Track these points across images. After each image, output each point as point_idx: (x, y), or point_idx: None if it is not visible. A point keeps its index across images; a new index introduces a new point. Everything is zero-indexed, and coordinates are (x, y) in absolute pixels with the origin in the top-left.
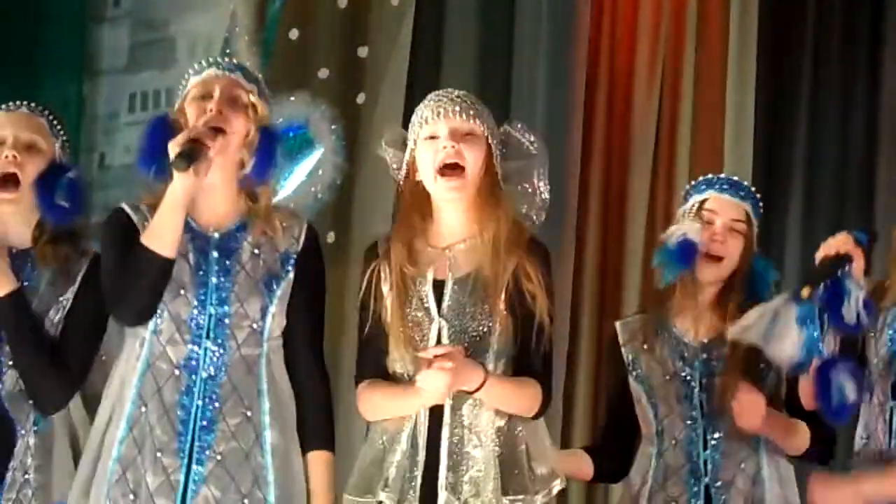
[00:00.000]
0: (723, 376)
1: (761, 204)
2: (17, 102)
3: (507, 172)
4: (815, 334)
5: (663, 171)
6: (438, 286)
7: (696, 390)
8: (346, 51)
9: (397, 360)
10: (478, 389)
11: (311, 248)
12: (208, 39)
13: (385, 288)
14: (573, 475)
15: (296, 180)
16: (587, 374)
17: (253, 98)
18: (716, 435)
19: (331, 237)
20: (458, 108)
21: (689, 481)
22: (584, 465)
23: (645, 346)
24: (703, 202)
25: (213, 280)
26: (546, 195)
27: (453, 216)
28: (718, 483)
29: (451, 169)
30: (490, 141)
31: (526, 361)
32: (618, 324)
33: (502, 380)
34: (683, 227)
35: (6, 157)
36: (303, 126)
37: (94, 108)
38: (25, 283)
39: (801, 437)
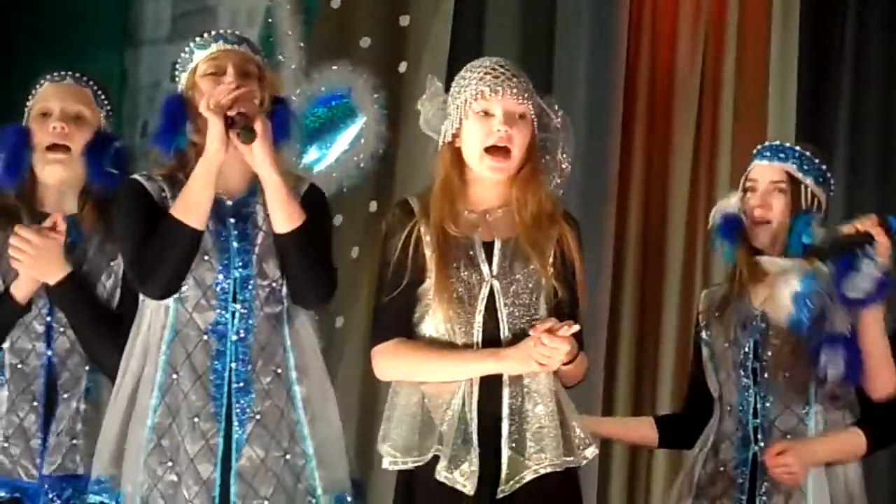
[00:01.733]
0: (777, 348)
1: (816, 159)
2: (63, 73)
3: (538, 143)
4: (802, 315)
5: (706, 140)
6: (487, 247)
7: (751, 357)
8: (387, 19)
9: (441, 320)
10: (572, 361)
11: (313, 197)
12: (250, 9)
13: (427, 250)
14: (635, 442)
15: (338, 149)
16: (629, 347)
17: (263, 69)
18: (765, 403)
19: (373, 206)
20: (514, 89)
21: (739, 448)
22: (647, 433)
23: (717, 314)
24: (749, 172)
25: (235, 245)
26: (568, 168)
27: (492, 184)
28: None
29: (498, 149)
30: (534, 123)
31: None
32: (703, 293)
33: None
34: (723, 203)
35: (54, 128)
36: (345, 95)
37: (137, 78)
38: (71, 251)
39: (855, 447)
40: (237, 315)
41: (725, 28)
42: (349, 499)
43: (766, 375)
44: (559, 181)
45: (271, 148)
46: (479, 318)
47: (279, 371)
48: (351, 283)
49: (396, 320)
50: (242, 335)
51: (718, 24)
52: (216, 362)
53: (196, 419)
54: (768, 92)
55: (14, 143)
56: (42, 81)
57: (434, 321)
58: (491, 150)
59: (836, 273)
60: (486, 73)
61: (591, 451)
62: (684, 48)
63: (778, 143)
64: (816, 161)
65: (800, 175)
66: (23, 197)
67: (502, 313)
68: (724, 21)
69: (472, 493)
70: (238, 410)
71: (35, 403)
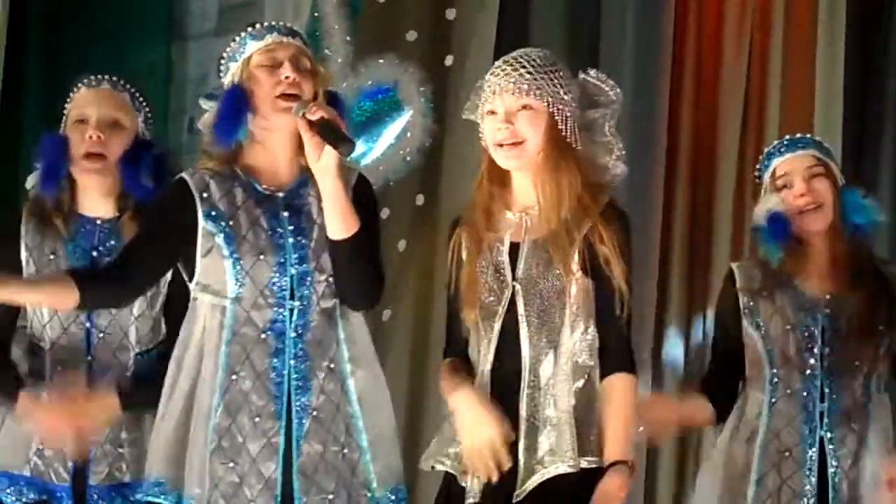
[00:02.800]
0: (843, 335)
1: (825, 144)
2: (100, 77)
3: (586, 123)
4: None
5: (752, 127)
6: (514, 249)
7: (819, 343)
8: (433, 13)
9: (467, 327)
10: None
11: (362, 191)
12: (296, 3)
13: (465, 255)
14: (691, 423)
15: (384, 143)
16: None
17: (315, 63)
18: (833, 389)
19: (420, 200)
20: (512, 83)
21: (804, 433)
22: (702, 412)
23: (764, 294)
24: (773, 173)
25: (290, 241)
26: (619, 147)
27: (524, 182)
28: (833, 437)
29: (507, 144)
30: (552, 108)
31: (608, 336)
32: (734, 266)
33: (619, 439)
34: (765, 205)
35: (90, 136)
36: (391, 88)
37: (184, 72)
38: (112, 253)
39: None
40: (295, 312)
41: (772, 12)
42: (403, 491)
43: (835, 362)
44: (612, 161)
45: (339, 159)
46: (499, 321)
47: (333, 366)
48: (398, 276)
49: (451, 336)
50: (300, 332)
51: (765, 8)
52: (275, 360)
53: (258, 419)
54: (815, 76)
55: (52, 153)
56: (79, 86)
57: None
58: (499, 144)
59: None
60: (492, 75)
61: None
62: (730, 36)
63: (787, 137)
64: (826, 146)
65: (826, 159)
66: (60, 203)
67: (521, 316)
68: (771, 5)
69: (477, 498)
70: (298, 408)
71: None
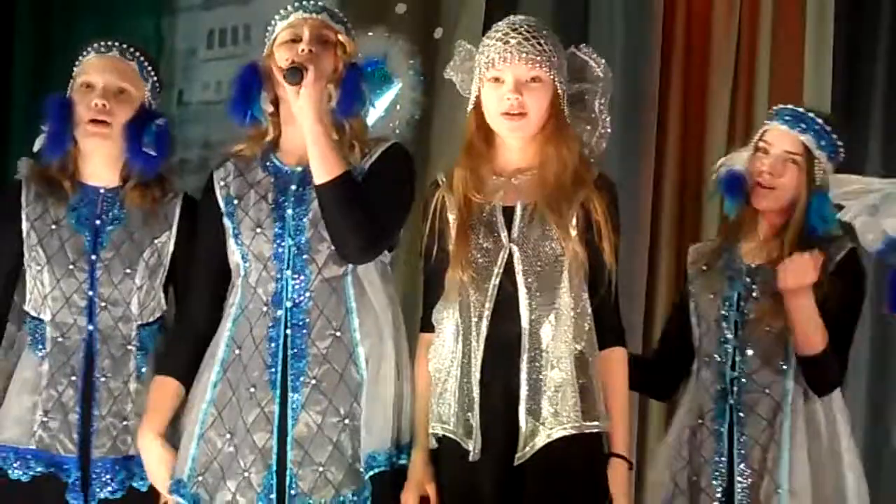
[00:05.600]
0: (760, 302)
1: (833, 134)
2: (110, 43)
3: (571, 95)
4: None
5: (742, 102)
6: (508, 212)
7: (734, 310)
8: None
9: (453, 286)
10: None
11: (386, 154)
12: None
13: (451, 216)
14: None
15: (374, 116)
16: (665, 301)
17: (341, 37)
18: (744, 356)
19: None
20: (524, 54)
21: (718, 400)
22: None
23: (704, 268)
24: (765, 132)
25: (289, 212)
26: (607, 125)
27: (517, 147)
28: (741, 405)
29: (513, 114)
30: (556, 81)
31: (600, 307)
32: (691, 248)
33: (621, 427)
34: (733, 159)
35: (95, 104)
36: (381, 61)
37: (173, 45)
38: (115, 222)
39: (820, 337)
40: (289, 282)
41: None
42: (384, 459)
43: (747, 329)
44: (598, 135)
45: (318, 97)
46: (494, 282)
47: (339, 334)
48: None
49: (432, 302)
50: (298, 300)
51: None
52: (272, 331)
53: (252, 389)
54: (804, 54)
55: (57, 115)
56: (88, 50)
57: (444, 300)
58: (506, 115)
59: None
60: (497, 40)
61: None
62: (720, 12)
63: (801, 109)
64: (833, 136)
65: (816, 149)
66: (64, 168)
67: (520, 278)
68: None
69: (478, 455)
70: (292, 376)
71: (74, 378)
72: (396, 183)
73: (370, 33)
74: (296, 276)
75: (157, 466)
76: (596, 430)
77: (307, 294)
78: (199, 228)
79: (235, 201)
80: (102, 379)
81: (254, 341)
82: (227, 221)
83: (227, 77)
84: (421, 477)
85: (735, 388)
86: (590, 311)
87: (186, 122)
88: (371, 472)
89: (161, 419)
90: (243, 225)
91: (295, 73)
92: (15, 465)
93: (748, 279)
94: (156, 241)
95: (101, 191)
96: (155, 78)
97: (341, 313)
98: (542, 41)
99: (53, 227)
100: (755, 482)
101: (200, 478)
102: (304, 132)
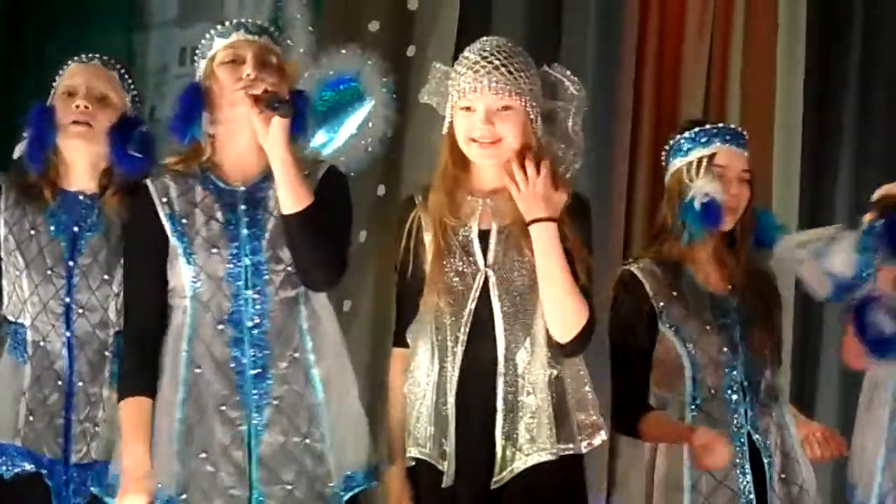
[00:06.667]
0: (756, 332)
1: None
2: (91, 55)
3: (544, 113)
4: (871, 262)
5: (714, 108)
6: (483, 236)
7: (738, 339)
8: (396, 3)
9: (429, 310)
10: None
11: (327, 179)
12: None
13: (427, 237)
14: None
15: (346, 133)
16: None
17: (282, 62)
18: (752, 383)
19: (381, 190)
20: (494, 83)
21: (733, 431)
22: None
23: (675, 294)
24: (711, 156)
25: (244, 231)
26: (580, 142)
27: (492, 169)
28: (759, 430)
29: (485, 142)
30: (528, 108)
31: None
32: (634, 270)
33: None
34: (706, 188)
35: (77, 106)
36: (353, 79)
37: (145, 62)
38: (93, 229)
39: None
40: (250, 302)
41: (734, 4)
42: (363, 480)
43: (752, 357)
44: (573, 153)
45: (286, 128)
46: (470, 307)
47: (296, 355)
48: (358, 267)
49: (405, 321)
50: (258, 321)
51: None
52: (235, 350)
53: (223, 407)
54: (776, 66)
55: (38, 123)
56: (69, 62)
57: (419, 322)
58: (479, 143)
59: (883, 233)
60: (468, 68)
61: (599, 438)
62: (692, 26)
63: (730, 127)
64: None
65: (749, 162)
66: (46, 176)
67: (495, 303)
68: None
69: (451, 480)
70: (256, 396)
71: (60, 383)
72: (342, 209)
73: (343, 51)
74: (256, 295)
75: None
76: (571, 454)
77: (266, 314)
78: (139, 242)
79: (183, 220)
80: (80, 384)
81: (214, 360)
82: (175, 241)
83: None
84: (399, 495)
85: (749, 415)
86: None
87: (159, 138)
88: (350, 494)
89: (147, 438)
90: (196, 244)
91: (286, 107)
92: None
93: (735, 304)
94: None
95: (80, 197)
96: (135, 91)
97: (296, 334)
98: (512, 68)
99: (32, 232)
100: None
101: (185, 496)
102: (273, 162)
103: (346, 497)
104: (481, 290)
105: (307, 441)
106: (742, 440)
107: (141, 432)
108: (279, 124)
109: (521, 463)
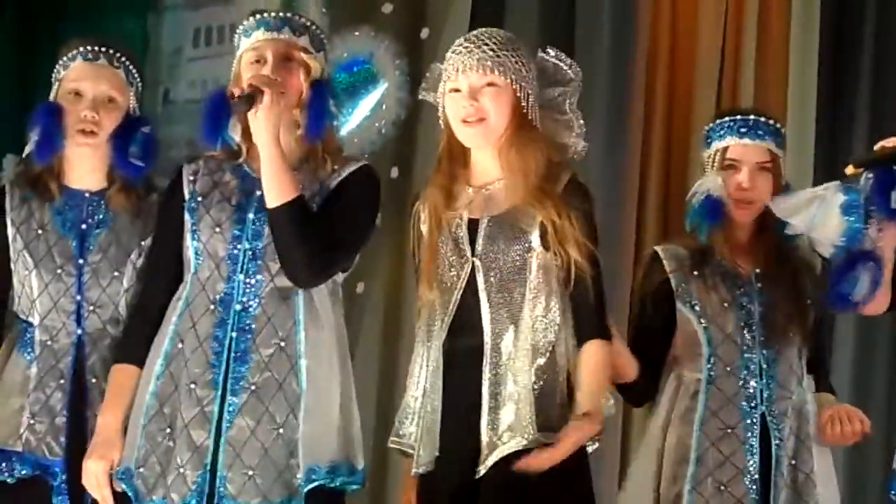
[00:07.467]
0: (780, 309)
1: (781, 128)
2: (97, 49)
3: (545, 101)
4: (859, 223)
5: (727, 100)
6: (473, 225)
7: (757, 319)
8: None
9: (423, 300)
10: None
11: (353, 176)
12: None
13: (424, 229)
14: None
15: (359, 116)
16: None
17: (305, 55)
18: (771, 364)
19: (394, 172)
20: (475, 62)
21: (745, 410)
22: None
23: (695, 273)
24: (724, 150)
25: (251, 216)
26: (580, 124)
27: (486, 158)
28: (774, 411)
29: (470, 121)
30: (515, 86)
31: (576, 307)
32: (658, 249)
33: (589, 393)
34: (706, 184)
35: (85, 116)
36: (367, 61)
37: (158, 43)
38: (101, 226)
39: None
40: (241, 285)
41: None
42: (324, 475)
43: (772, 337)
44: (572, 138)
45: (275, 121)
46: (456, 296)
47: (283, 344)
48: (372, 249)
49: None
50: (247, 305)
51: None
52: (217, 330)
53: (193, 385)
54: (789, 51)
55: (47, 121)
56: (74, 54)
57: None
58: (464, 121)
59: (875, 188)
60: (453, 52)
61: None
62: (706, 14)
63: (750, 118)
64: (782, 130)
65: (778, 151)
66: (50, 171)
67: (482, 292)
68: None
69: (426, 468)
70: (233, 379)
71: (62, 381)
72: (358, 207)
73: (356, 33)
74: (248, 279)
75: (107, 451)
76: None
77: (256, 300)
78: (162, 218)
79: (199, 198)
80: (94, 380)
81: (197, 337)
82: (187, 216)
83: (213, 76)
84: (409, 490)
85: (765, 396)
86: (559, 321)
87: (172, 121)
88: (310, 486)
89: (123, 406)
90: (203, 222)
91: (243, 102)
92: (1, 467)
93: (759, 285)
94: (143, 244)
95: (86, 195)
96: (139, 81)
97: (288, 324)
98: (496, 48)
99: (40, 231)
100: (788, 497)
101: (142, 469)
102: (261, 154)
103: (307, 489)
104: (468, 280)
105: (280, 430)
106: (755, 420)
107: (118, 400)
108: (260, 117)
109: (499, 452)
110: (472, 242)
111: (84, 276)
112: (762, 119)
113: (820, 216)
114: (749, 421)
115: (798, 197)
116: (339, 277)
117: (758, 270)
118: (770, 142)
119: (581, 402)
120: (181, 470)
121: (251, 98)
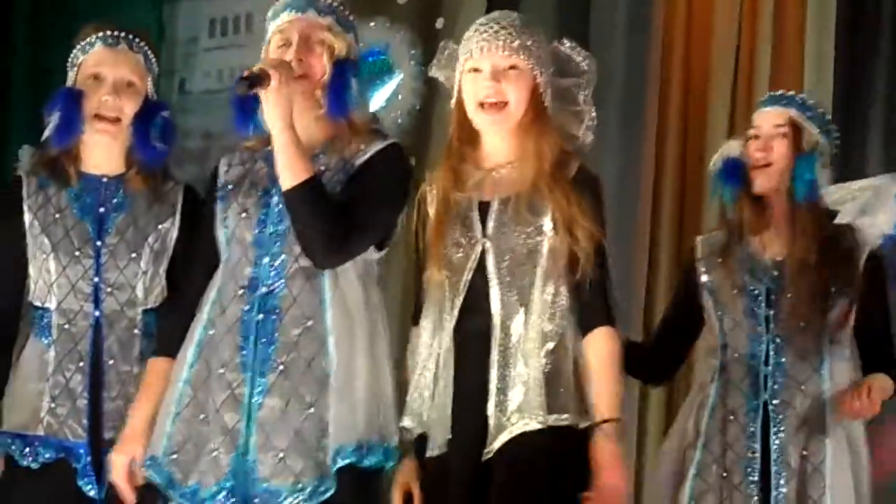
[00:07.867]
0: (792, 297)
1: (819, 109)
2: (117, 34)
3: (557, 91)
4: None
5: (742, 91)
6: (484, 207)
7: (763, 306)
8: None
9: (431, 282)
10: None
11: (380, 154)
12: None
13: (431, 211)
14: None
15: (375, 106)
16: (666, 291)
17: (329, 35)
18: (779, 352)
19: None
20: (500, 43)
21: (749, 395)
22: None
23: (719, 261)
24: (753, 123)
25: (275, 199)
26: (592, 116)
27: (498, 141)
28: (777, 401)
29: (492, 104)
30: (535, 71)
31: (586, 297)
32: (698, 239)
33: (607, 395)
34: (726, 150)
35: (105, 101)
36: (382, 51)
37: (174, 33)
38: (118, 209)
39: (888, 388)
40: (266, 268)
41: None
42: (350, 454)
43: (781, 324)
44: (581, 130)
45: (286, 104)
46: (466, 277)
47: (310, 324)
48: None
49: (418, 304)
50: (272, 287)
51: None
52: (245, 314)
53: (223, 370)
54: (805, 37)
55: (67, 106)
56: (93, 39)
57: (426, 295)
58: (485, 104)
59: None
60: (475, 32)
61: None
62: (722, 5)
63: (780, 91)
64: (820, 111)
65: (801, 120)
66: (68, 155)
67: (492, 273)
68: None
69: (440, 451)
70: (261, 361)
71: (81, 364)
72: (384, 185)
73: (372, 23)
74: (272, 262)
75: (129, 445)
76: (565, 424)
77: (281, 281)
78: (203, 212)
79: (230, 187)
80: (111, 362)
81: (226, 323)
82: (218, 205)
83: (229, 66)
84: (407, 475)
85: (770, 384)
86: (566, 306)
87: (187, 111)
88: (337, 466)
89: (154, 399)
90: (231, 209)
91: (244, 84)
92: (24, 451)
93: (775, 272)
94: (160, 227)
95: (104, 179)
96: (157, 68)
97: (315, 304)
98: (519, 30)
99: (57, 216)
100: (794, 487)
101: (175, 456)
102: (273, 136)
103: (335, 469)
104: (479, 261)
105: (311, 410)
106: (757, 406)
107: (150, 393)
108: (270, 100)
109: (508, 433)
110: (483, 224)
111: (102, 258)
112: (790, 93)
113: (872, 205)
114: (752, 408)
115: (851, 186)
116: (374, 255)
117: (779, 258)
118: (793, 109)
119: (598, 410)
120: (215, 454)
121: (254, 80)
